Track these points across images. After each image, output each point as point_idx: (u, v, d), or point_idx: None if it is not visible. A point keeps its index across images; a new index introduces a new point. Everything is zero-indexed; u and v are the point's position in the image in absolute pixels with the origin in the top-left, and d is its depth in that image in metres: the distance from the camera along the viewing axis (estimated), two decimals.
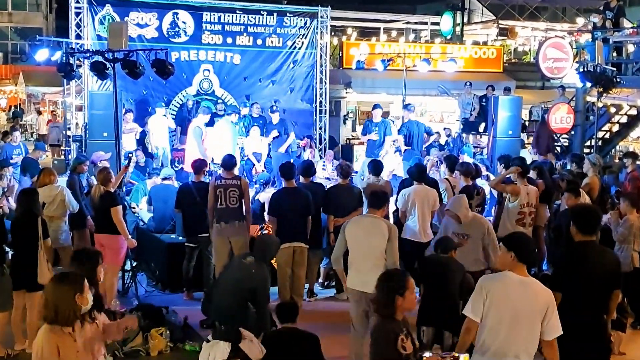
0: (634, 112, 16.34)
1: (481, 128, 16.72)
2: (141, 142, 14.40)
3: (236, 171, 9.18)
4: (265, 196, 10.30)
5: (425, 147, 14.41)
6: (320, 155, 15.53)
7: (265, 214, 9.33)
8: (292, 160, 12.14)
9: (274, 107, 14.71)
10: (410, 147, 13.45)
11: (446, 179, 9.54)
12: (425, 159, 12.05)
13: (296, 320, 5.94)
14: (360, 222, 6.63)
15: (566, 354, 4.75)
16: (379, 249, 6.42)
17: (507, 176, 9.51)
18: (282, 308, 6.02)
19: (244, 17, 15.90)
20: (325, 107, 16.96)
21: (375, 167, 9.52)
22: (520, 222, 9.02)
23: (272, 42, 16.20)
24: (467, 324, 4.58)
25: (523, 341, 4.50)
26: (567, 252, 5.50)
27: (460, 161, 10.41)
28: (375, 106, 14.32)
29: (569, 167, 11.14)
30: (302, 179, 9.00)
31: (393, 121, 15.66)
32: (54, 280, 4.21)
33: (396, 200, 9.17)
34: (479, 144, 16.92)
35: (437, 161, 12.58)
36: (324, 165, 14.15)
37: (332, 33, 19.58)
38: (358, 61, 17.82)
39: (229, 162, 8.97)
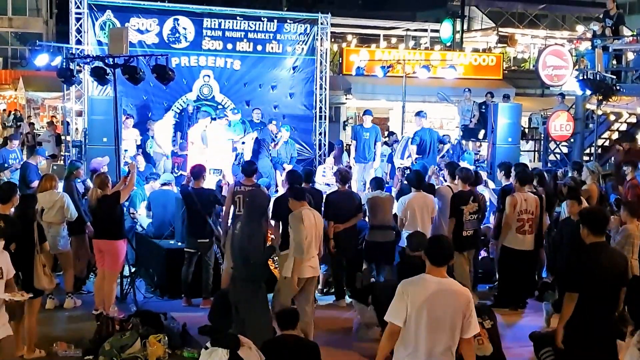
0: (633, 119, 16.33)
1: (481, 135, 16.72)
2: (142, 148, 14.41)
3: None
4: None
5: (439, 157, 14.24)
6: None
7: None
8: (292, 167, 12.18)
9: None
10: (421, 156, 13.42)
11: (448, 185, 9.53)
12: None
13: (297, 327, 5.92)
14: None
15: (582, 347, 5.46)
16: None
17: (510, 184, 9.50)
18: (282, 315, 5.98)
19: (244, 23, 15.91)
20: (325, 113, 16.96)
21: (377, 183, 9.58)
22: (520, 229, 9.01)
23: (272, 48, 16.20)
24: (390, 328, 4.57)
25: (446, 340, 4.53)
26: (580, 253, 5.73)
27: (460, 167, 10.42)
28: (366, 112, 14.49)
29: (570, 174, 11.13)
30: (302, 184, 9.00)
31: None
32: None
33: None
34: (478, 151, 16.92)
35: (437, 168, 12.57)
36: (323, 172, 14.15)
37: (332, 39, 19.59)
38: (358, 67, 17.82)
39: (249, 169, 9.04)
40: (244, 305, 6.68)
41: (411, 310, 4.49)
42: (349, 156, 15.07)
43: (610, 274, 5.50)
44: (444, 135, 16.47)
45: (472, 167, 12.28)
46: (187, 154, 13.95)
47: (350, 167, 13.72)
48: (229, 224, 8.71)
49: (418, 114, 14.08)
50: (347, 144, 20.60)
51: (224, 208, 8.95)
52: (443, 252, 4.67)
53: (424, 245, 6.72)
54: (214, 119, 14.58)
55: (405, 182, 10.36)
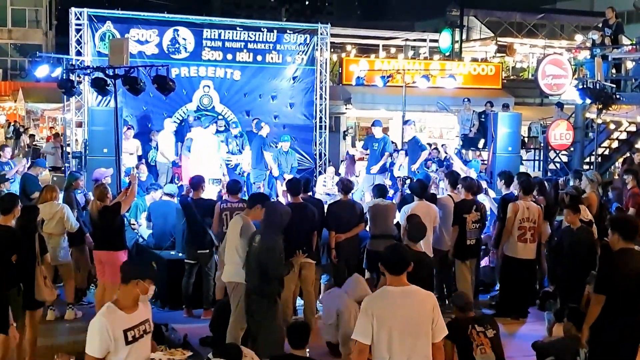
0: (633, 128, 16.35)
1: (480, 144, 16.74)
2: (143, 158, 14.42)
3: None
4: None
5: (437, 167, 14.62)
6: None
7: None
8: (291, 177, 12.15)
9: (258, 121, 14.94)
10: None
11: (449, 195, 9.52)
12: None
13: (306, 345, 5.79)
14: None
15: (606, 349, 5.63)
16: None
17: (511, 193, 9.50)
18: (294, 331, 5.74)
19: (244, 33, 15.96)
20: (325, 122, 16.99)
21: (380, 190, 9.54)
22: (521, 238, 9.00)
23: (272, 58, 16.24)
24: (358, 346, 4.50)
25: (421, 349, 4.49)
26: (610, 258, 5.89)
27: (463, 176, 10.43)
28: (375, 123, 14.41)
29: (572, 183, 11.14)
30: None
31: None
32: None
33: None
34: (484, 161, 16.95)
35: (436, 178, 12.58)
36: (324, 181, 14.15)
37: (332, 50, 19.64)
38: (358, 77, 17.87)
39: (234, 188, 9.08)
40: (257, 318, 6.64)
41: (378, 326, 4.43)
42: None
43: (637, 280, 5.63)
44: (442, 145, 16.67)
45: (475, 175, 12.32)
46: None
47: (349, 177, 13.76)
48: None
49: (406, 122, 14.29)
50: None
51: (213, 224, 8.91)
52: (399, 260, 4.59)
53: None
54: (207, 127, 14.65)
55: (407, 191, 10.37)
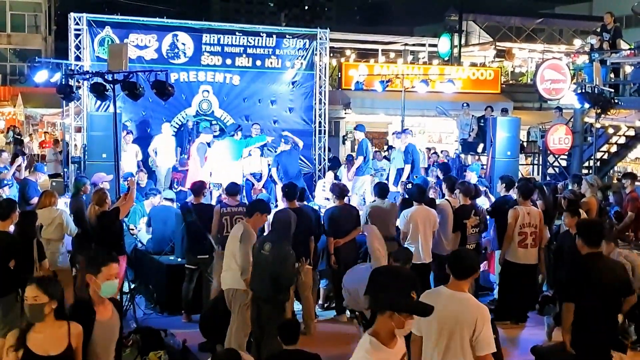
0: (631, 133, 16.37)
1: (479, 149, 16.74)
2: (143, 163, 14.39)
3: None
4: None
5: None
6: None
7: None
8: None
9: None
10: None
11: (447, 199, 9.52)
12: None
13: (297, 340, 5.87)
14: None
15: (586, 354, 5.62)
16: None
17: (509, 196, 9.50)
18: (284, 329, 5.89)
19: (244, 38, 15.97)
20: (325, 127, 17.00)
21: (381, 189, 9.51)
22: (522, 243, 8.99)
23: (271, 63, 16.26)
24: (412, 337, 4.68)
25: (453, 353, 4.52)
26: (576, 264, 5.83)
27: (461, 180, 10.43)
28: (357, 127, 14.76)
29: (570, 187, 11.15)
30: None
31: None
32: None
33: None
34: (482, 166, 16.96)
35: (435, 182, 12.59)
36: (323, 186, 14.13)
37: (331, 54, 19.67)
38: (357, 82, 17.88)
39: (233, 189, 9.04)
40: (264, 325, 6.63)
41: (422, 321, 4.44)
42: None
43: (607, 283, 5.59)
44: (442, 151, 16.69)
45: (475, 179, 12.31)
46: (187, 170, 13.96)
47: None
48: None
49: (404, 131, 14.48)
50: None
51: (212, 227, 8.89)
52: (462, 265, 4.67)
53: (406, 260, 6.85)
54: (218, 136, 14.62)
55: (407, 196, 10.37)
